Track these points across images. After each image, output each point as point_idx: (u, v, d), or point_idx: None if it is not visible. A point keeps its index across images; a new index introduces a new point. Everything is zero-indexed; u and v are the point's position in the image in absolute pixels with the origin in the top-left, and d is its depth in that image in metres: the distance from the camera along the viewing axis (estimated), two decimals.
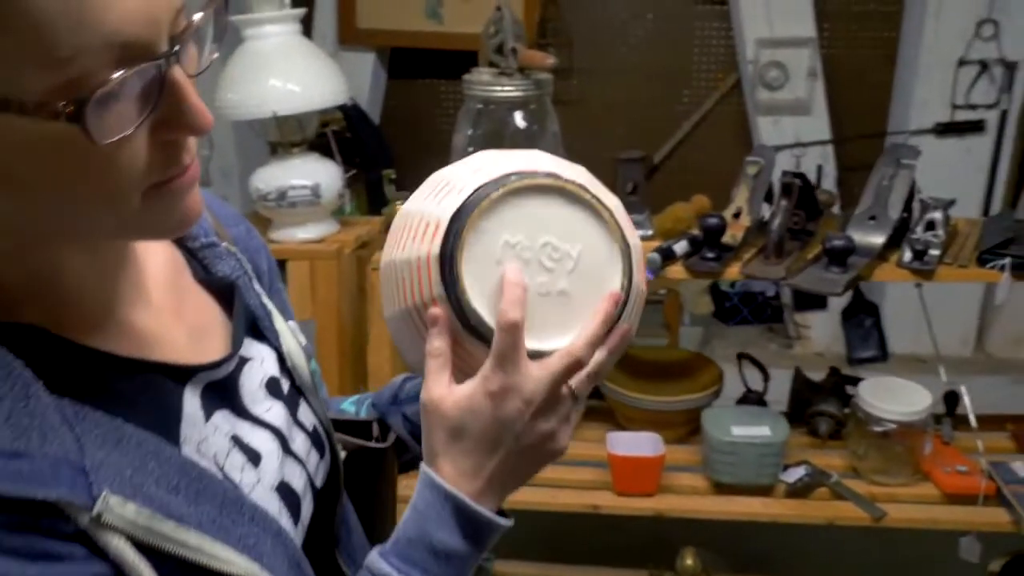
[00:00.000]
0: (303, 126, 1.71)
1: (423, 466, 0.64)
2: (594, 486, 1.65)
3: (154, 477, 0.54)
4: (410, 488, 0.65)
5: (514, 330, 0.58)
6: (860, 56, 3.32)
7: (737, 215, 1.64)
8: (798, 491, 1.62)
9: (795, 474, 1.65)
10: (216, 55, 0.55)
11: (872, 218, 1.57)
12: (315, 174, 1.70)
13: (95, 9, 0.44)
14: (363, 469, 0.82)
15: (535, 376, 0.60)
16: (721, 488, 1.64)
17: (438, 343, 0.61)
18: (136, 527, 0.51)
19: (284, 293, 0.82)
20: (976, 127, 2.99)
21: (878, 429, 1.60)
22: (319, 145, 1.83)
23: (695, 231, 1.61)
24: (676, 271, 1.53)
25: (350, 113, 3.21)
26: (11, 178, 0.48)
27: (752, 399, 1.83)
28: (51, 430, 0.50)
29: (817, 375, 1.86)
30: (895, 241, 1.55)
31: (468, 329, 0.59)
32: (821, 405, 1.78)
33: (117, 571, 0.51)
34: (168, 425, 0.58)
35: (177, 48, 0.49)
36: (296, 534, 0.65)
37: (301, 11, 1.66)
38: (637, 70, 3.44)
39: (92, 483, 0.50)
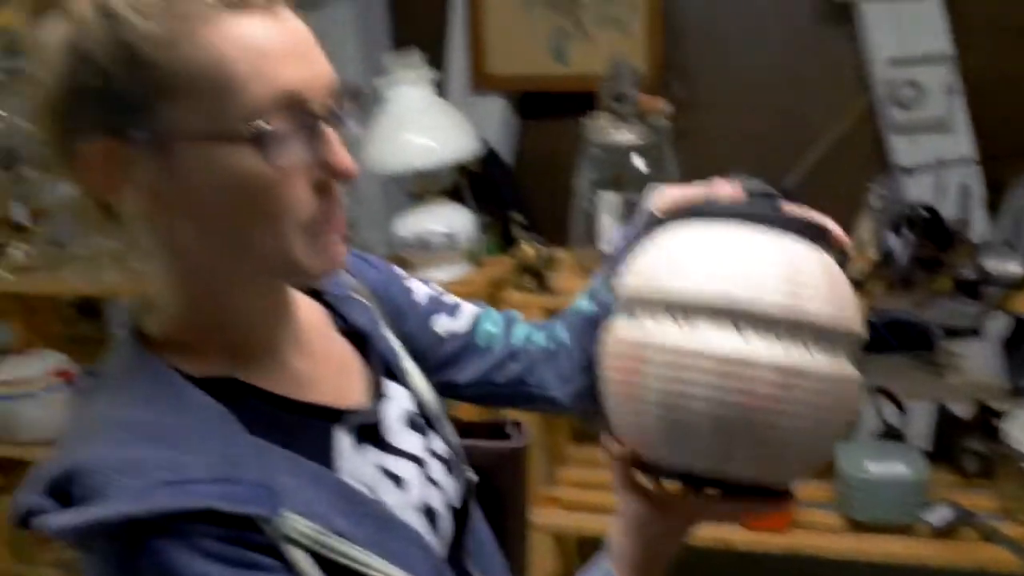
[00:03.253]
0: (439, 177, 1.83)
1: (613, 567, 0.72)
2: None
3: (322, 500, 0.64)
4: None
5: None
6: (1004, 70, 3.16)
7: (863, 248, 1.63)
8: (943, 532, 1.57)
9: (939, 514, 1.59)
10: (359, 130, 0.68)
11: (1009, 245, 1.52)
12: (450, 221, 1.82)
13: (270, 66, 0.60)
14: (500, 471, 0.91)
15: None
16: (857, 526, 1.61)
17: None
18: (310, 540, 0.61)
19: (415, 294, 0.91)
20: None
21: None
22: (456, 191, 1.95)
23: None
24: None
25: (484, 156, 3.35)
26: (208, 218, 0.62)
27: (890, 434, 1.79)
28: (248, 462, 0.62)
29: (963, 410, 1.80)
30: None
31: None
32: (967, 441, 1.72)
33: None
34: (326, 456, 0.68)
35: (330, 112, 0.63)
36: (438, 547, 0.74)
37: (435, 73, 1.79)
38: (763, 100, 3.40)
39: (278, 504, 0.61)
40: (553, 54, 3.37)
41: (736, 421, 0.61)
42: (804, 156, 3.43)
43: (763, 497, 0.66)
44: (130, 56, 0.58)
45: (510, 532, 0.94)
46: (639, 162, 1.72)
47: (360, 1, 3.46)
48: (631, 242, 0.82)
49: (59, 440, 0.65)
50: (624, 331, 0.67)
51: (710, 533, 1.65)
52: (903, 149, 3.14)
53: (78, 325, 4.40)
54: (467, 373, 0.91)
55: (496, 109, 3.54)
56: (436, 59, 3.41)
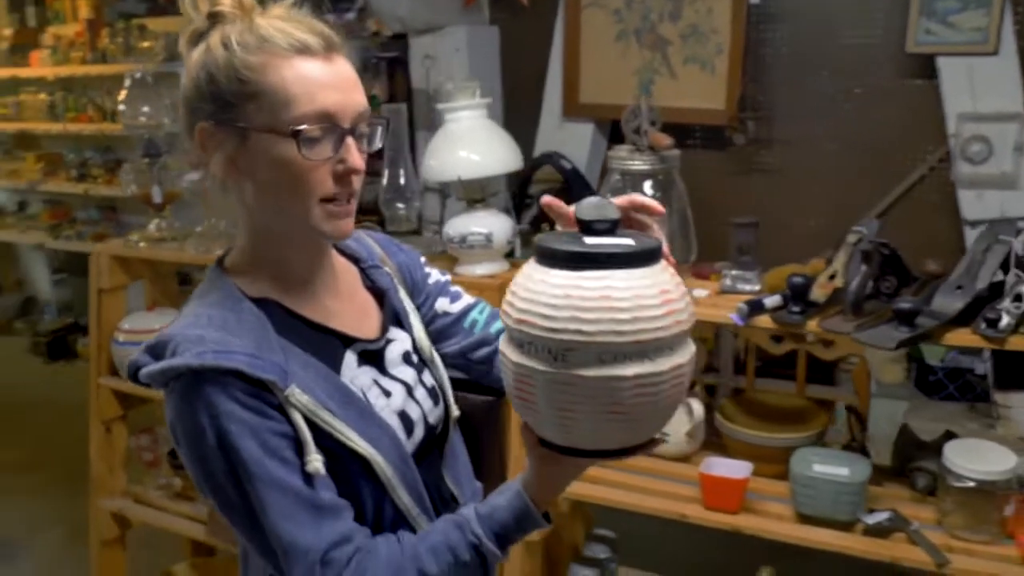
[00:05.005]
0: (483, 187, 2.18)
1: (527, 498, 0.95)
2: (686, 499, 1.92)
3: (322, 387, 0.96)
4: None
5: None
6: None
7: (832, 277, 1.86)
8: (875, 532, 1.77)
9: (877, 517, 1.79)
10: (376, 147, 1.02)
11: (959, 287, 1.71)
12: (490, 224, 2.15)
13: (316, 92, 0.92)
14: (479, 416, 1.26)
15: None
16: (803, 519, 1.83)
17: None
18: (307, 409, 0.93)
19: (431, 278, 1.22)
20: None
21: (958, 485, 1.72)
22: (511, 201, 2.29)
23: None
24: (764, 321, 1.79)
25: (568, 175, 3.68)
26: (263, 184, 0.95)
27: (854, 448, 1.98)
28: (273, 350, 0.94)
29: (927, 433, 1.97)
30: (979, 310, 1.68)
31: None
32: (921, 461, 1.90)
33: (295, 433, 0.92)
34: (335, 365, 1.01)
35: (353, 129, 0.95)
36: (407, 445, 1.04)
37: (487, 100, 2.14)
38: (841, 142, 3.55)
39: (288, 378, 0.93)
40: (640, 88, 3.67)
41: (608, 423, 0.81)
42: (879, 200, 3.55)
43: (634, 451, 0.87)
44: (233, 73, 0.93)
45: (485, 462, 1.26)
46: (649, 187, 2.01)
47: (473, 29, 3.88)
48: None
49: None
50: (515, 356, 0.84)
51: (672, 507, 1.91)
52: (969, 202, 3.23)
53: (179, 291, 5.19)
54: (451, 346, 1.19)
55: (586, 133, 3.87)
56: (539, 86, 3.79)
